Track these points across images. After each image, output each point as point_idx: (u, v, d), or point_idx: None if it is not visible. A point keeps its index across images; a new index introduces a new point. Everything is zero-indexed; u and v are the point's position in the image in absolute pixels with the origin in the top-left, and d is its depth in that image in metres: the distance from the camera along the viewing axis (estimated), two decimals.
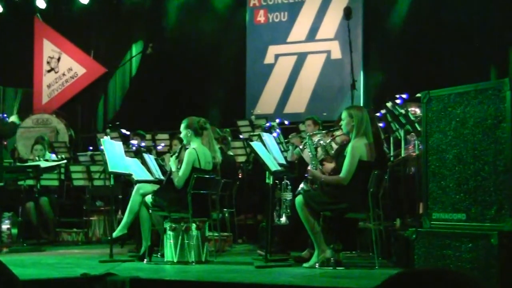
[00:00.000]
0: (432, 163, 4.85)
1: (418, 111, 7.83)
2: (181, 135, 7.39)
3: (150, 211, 7.28)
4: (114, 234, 7.54)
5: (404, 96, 8.58)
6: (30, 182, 9.70)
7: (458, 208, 4.66)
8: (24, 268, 6.21)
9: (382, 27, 12.97)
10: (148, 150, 10.16)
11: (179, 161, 7.28)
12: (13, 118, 8.60)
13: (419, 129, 7.36)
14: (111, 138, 9.82)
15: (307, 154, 8.07)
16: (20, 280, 1.39)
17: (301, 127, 10.47)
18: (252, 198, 9.91)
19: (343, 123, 6.63)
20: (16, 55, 15.24)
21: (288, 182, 8.34)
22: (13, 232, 9.34)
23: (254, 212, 10.28)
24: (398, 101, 8.41)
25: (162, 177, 7.88)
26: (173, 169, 7.21)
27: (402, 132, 8.33)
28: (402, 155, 8.37)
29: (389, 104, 8.36)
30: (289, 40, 13.81)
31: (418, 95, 5.24)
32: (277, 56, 13.88)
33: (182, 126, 7.30)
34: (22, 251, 8.43)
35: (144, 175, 8.08)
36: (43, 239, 9.75)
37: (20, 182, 9.56)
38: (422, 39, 12.22)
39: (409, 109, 7.98)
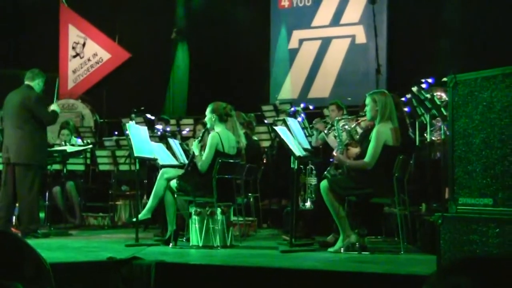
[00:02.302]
0: (458, 147, 4.80)
1: (444, 95, 7.75)
2: (206, 119, 7.39)
3: (175, 195, 7.31)
4: (140, 217, 7.58)
5: (429, 80, 8.50)
6: (56, 166, 9.79)
7: (485, 193, 4.61)
8: (51, 252, 6.27)
9: (407, 11, 12.84)
10: (173, 135, 10.19)
11: (203, 145, 7.28)
12: (53, 107, 8.54)
13: (445, 113, 7.29)
14: (136, 123, 9.86)
15: (331, 139, 8.06)
16: (48, 264, 1.40)
17: (326, 112, 10.43)
18: (277, 183, 9.91)
19: (367, 108, 6.60)
20: (42, 41, 15.32)
21: (313, 167, 8.35)
22: (41, 216, 9.42)
23: (278, 197, 10.28)
24: (423, 86, 8.33)
25: (187, 162, 7.91)
26: (196, 153, 7.22)
27: (427, 117, 8.27)
28: (428, 140, 8.31)
29: (414, 89, 8.29)
30: (313, 24, 13.74)
31: (444, 79, 5.18)
32: (301, 41, 13.82)
33: (208, 110, 7.30)
34: (49, 235, 8.50)
35: (169, 159, 8.11)
36: (69, 223, 9.84)
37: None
38: (448, 23, 12.08)
39: (435, 94, 7.90)
